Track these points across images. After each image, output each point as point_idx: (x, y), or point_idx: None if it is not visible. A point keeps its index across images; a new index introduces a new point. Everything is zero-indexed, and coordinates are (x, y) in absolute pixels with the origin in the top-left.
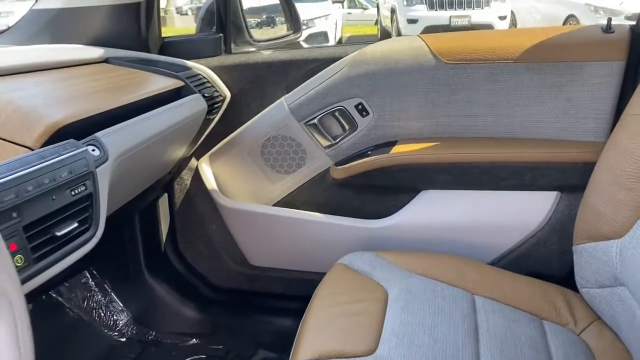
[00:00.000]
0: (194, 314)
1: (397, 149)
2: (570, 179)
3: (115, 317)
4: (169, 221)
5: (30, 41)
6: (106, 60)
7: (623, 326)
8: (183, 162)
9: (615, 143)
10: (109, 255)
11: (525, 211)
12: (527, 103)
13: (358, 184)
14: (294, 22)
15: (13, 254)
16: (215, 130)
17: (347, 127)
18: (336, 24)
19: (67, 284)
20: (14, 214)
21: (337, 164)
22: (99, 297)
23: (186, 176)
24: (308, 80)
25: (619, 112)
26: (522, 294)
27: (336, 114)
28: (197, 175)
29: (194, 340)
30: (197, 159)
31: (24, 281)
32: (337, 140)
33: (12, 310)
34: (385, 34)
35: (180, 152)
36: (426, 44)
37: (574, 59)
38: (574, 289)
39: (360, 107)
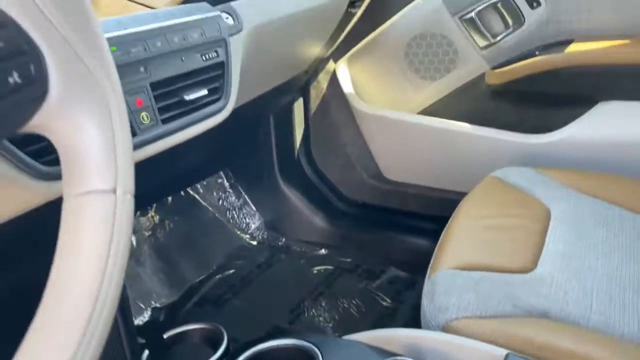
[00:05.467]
0: (323, 224)
1: (573, 48)
2: None
3: (247, 220)
4: (303, 128)
5: None
6: None
7: None
8: (320, 64)
9: None
10: (243, 157)
11: None
12: None
13: (518, 91)
14: None
15: (139, 110)
16: (357, 28)
17: (510, 22)
18: None
19: (204, 183)
20: (142, 69)
21: (495, 68)
22: (233, 198)
23: (323, 80)
24: None
25: None
26: None
27: (499, 5)
28: (334, 80)
29: (323, 250)
30: (335, 62)
31: (151, 141)
32: (498, 38)
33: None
34: None
35: (317, 47)
36: None
37: None
38: None
39: None
